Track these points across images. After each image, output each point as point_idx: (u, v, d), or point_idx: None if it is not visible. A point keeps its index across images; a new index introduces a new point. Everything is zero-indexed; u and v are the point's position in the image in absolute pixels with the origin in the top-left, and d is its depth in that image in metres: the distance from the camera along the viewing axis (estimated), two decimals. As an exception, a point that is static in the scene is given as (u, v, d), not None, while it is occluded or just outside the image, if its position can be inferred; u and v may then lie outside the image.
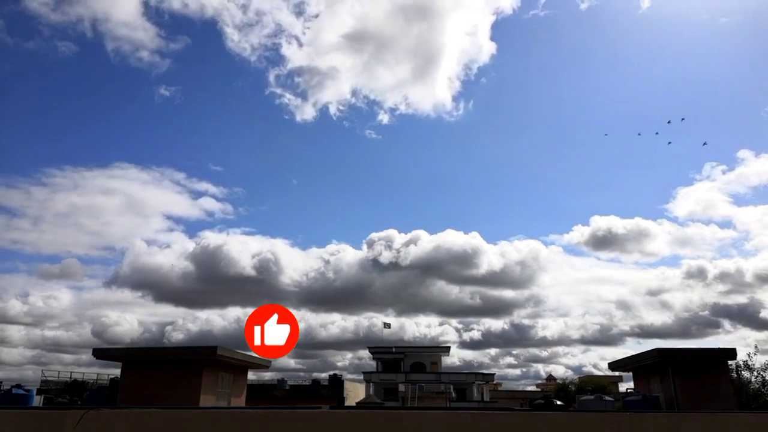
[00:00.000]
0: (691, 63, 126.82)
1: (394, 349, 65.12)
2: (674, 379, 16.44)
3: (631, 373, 21.17)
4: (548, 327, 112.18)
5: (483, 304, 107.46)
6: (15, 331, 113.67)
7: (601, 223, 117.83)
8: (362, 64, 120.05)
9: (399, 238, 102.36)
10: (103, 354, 18.41)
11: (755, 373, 28.65)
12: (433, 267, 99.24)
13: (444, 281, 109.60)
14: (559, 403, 16.81)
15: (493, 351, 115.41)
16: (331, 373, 63.73)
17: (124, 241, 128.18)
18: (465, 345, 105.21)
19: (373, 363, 66.06)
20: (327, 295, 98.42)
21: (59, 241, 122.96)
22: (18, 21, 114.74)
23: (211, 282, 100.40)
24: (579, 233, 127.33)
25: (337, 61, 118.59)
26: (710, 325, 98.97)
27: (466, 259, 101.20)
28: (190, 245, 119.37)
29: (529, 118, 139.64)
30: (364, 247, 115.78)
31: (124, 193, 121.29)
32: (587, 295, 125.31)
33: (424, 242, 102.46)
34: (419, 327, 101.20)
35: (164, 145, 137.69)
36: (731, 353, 17.32)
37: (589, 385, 52.78)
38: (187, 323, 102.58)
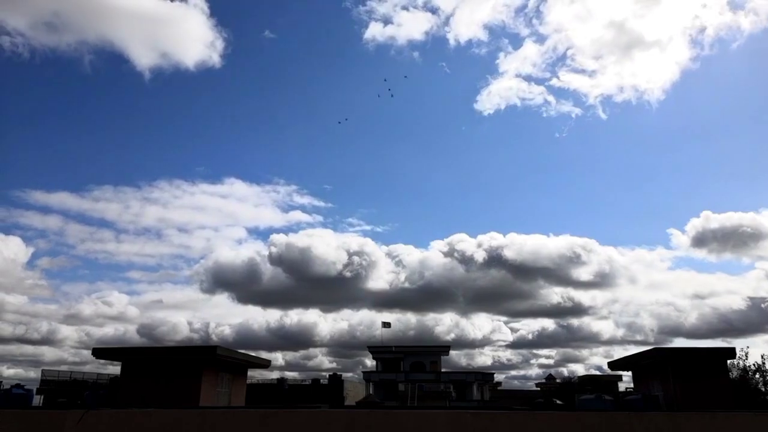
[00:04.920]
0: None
1: (393, 349, 65.04)
2: (674, 379, 16.43)
3: (630, 373, 21.18)
4: (602, 328, 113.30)
5: (547, 305, 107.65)
6: (70, 332, 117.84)
7: (696, 224, 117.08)
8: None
9: (470, 240, 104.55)
10: (103, 353, 18.36)
11: (761, 373, 28.58)
12: (525, 270, 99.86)
13: (513, 283, 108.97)
14: (559, 402, 16.80)
15: (531, 351, 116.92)
16: (330, 372, 63.83)
17: (200, 251, 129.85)
18: (515, 345, 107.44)
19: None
20: (396, 296, 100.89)
21: (134, 251, 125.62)
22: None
23: (293, 282, 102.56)
24: (677, 236, 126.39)
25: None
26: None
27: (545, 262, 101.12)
28: (265, 250, 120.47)
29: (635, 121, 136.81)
30: (432, 248, 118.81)
31: (215, 209, 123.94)
32: (660, 295, 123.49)
33: (500, 244, 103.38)
34: (473, 328, 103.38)
35: (293, 163, 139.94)
36: (731, 353, 17.41)
37: (591, 384, 52.59)
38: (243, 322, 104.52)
